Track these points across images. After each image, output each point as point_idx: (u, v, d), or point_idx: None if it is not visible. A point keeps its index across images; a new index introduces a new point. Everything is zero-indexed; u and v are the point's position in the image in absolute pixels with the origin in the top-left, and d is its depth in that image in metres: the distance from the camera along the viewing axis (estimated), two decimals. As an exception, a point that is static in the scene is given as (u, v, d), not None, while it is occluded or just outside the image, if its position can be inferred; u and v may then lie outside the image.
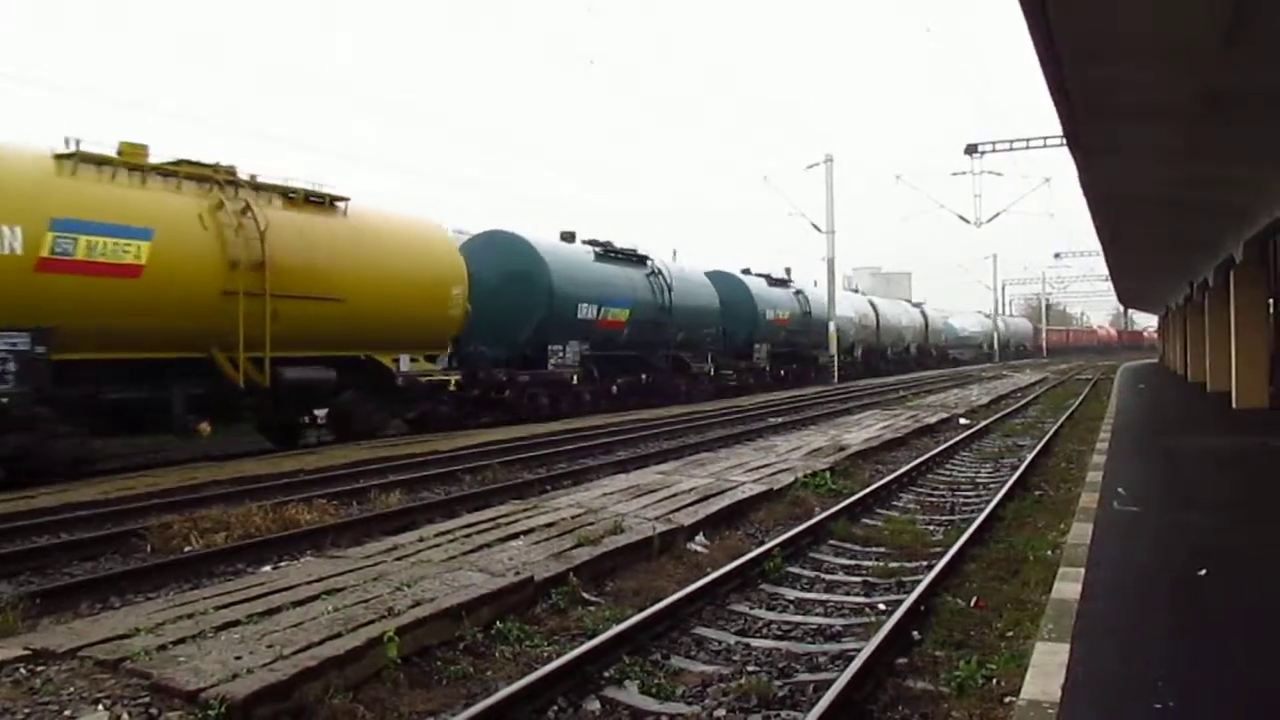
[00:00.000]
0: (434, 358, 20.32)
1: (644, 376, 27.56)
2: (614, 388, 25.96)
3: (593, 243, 26.63)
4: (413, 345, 19.11)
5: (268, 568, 8.34)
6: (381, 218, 18.52)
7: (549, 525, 8.83)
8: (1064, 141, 11.72)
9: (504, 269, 22.93)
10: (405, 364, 18.67)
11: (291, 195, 16.46)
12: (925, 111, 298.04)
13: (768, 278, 37.64)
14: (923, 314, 65.35)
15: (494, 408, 21.93)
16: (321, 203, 17.03)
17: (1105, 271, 43.11)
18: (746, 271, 36.52)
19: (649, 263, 28.38)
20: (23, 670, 4.98)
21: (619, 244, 27.63)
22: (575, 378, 23.82)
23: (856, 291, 55.25)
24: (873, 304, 52.87)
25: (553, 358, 23.34)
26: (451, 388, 20.13)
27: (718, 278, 33.49)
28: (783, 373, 37.44)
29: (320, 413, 17.51)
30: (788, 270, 42.56)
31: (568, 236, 26.13)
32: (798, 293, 39.43)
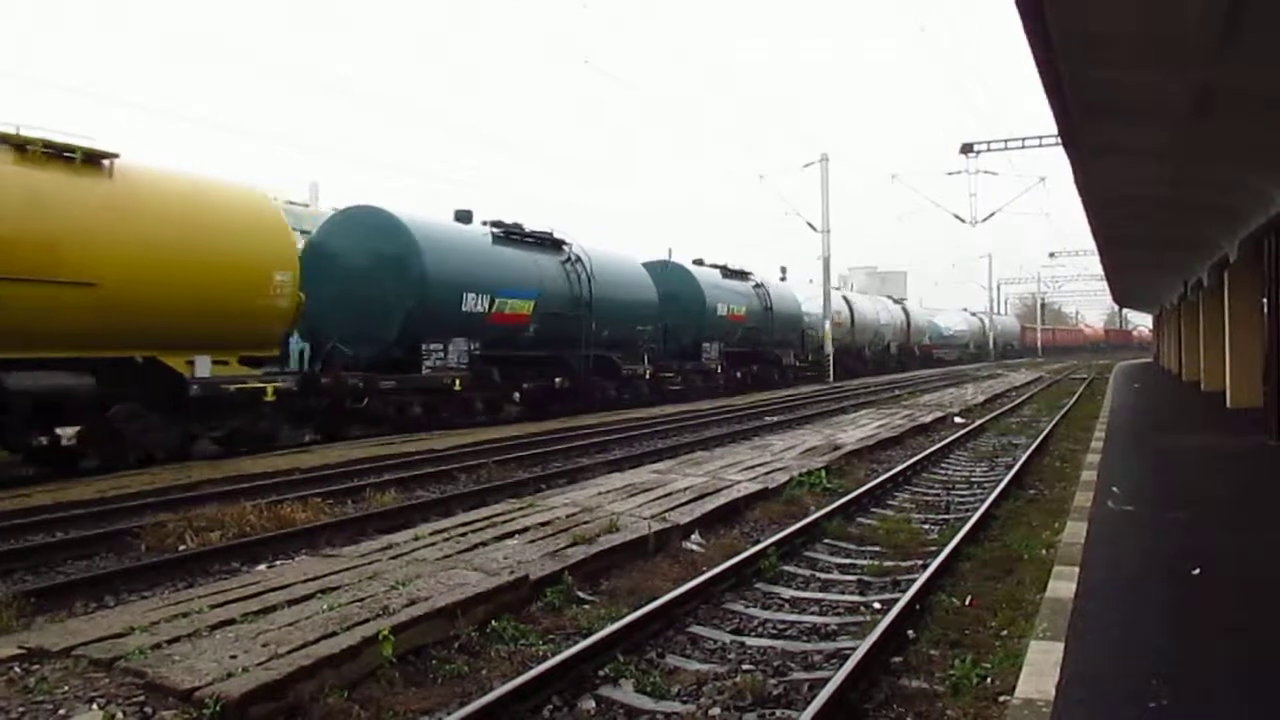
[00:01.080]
0: (259, 360, 16.12)
1: (558, 380, 23.32)
2: (517, 394, 22.19)
3: (495, 224, 22.64)
4: (220, 344, 15.05)
5: (262, 566, 8.33)
6: (167, 181, 14.75)
7: (544, 524, 8.83)
8: (1059, 141, 11.72)
9: (368, 251, 19.26)
10: (204, 368, 14.67)
11: (26, 148, 12.83)
12: (921, 111, 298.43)
13: (722, 269, 33.72)
14: (904, 311, 60.54)
15: (350, 420, 18.67)
16: (72, 159, 13.18)
17: (1100, 271, 43.17)
18: (699, 262, 32.76)
19: (566, 248, 24.37)
20: (17, 669, 4.97)
21: (530, 228, 23.75)
22: (458, 382, 19.75)
23: (838, 289, 49.38)
24: (846, 300, 48.61)
25: (428, 359, 19.51)
26: (270, 396, 15.60)
27: (659, 268, 30.06)
28: (739, 374, 33.53)
29: (66, 431, 12.92)
30: (783, 270, 42.63)
31: (463, 216, 22.32)
32: (758, 286, 35.32)
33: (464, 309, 20.17)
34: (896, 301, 61.10)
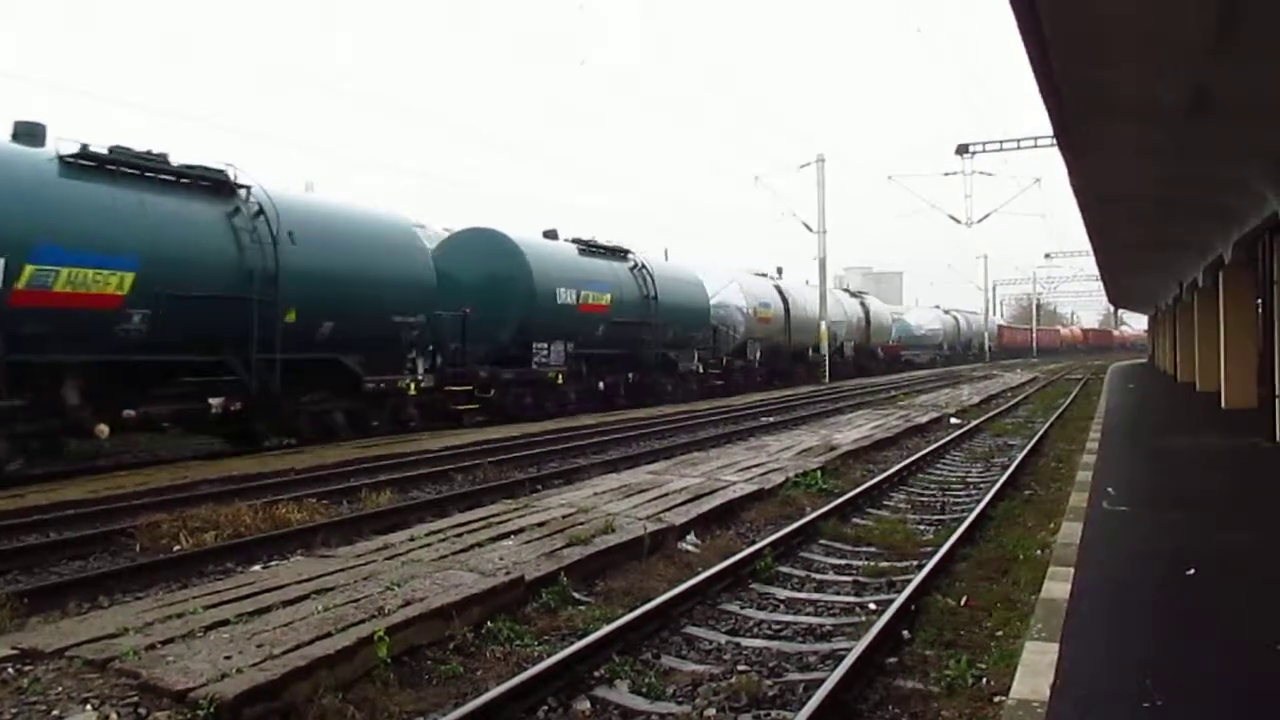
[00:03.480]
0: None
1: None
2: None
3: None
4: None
5: (257, 567, 8.32)
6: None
7: (540, 525, 8.83)
8: (1054, 141, 11.73)
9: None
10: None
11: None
12: (917, 112, 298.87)
13: (583, 244, 26.20)
14: (863, 306, 51.39)
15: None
16: None
17: (1095, 271, 43.24)
18: (552, 235, 25.57)
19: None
20: (10, 670, 4.96)
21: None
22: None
23: (766, 276, 40.43)
24: (780, 290, 39.49)
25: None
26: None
27: (470, 240, 23.43)
28: (602, 385, 25.60)
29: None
30: (779, 270, 42.53)
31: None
32: (637, 268, 27.62)
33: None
34: (854, 295, 52.79)
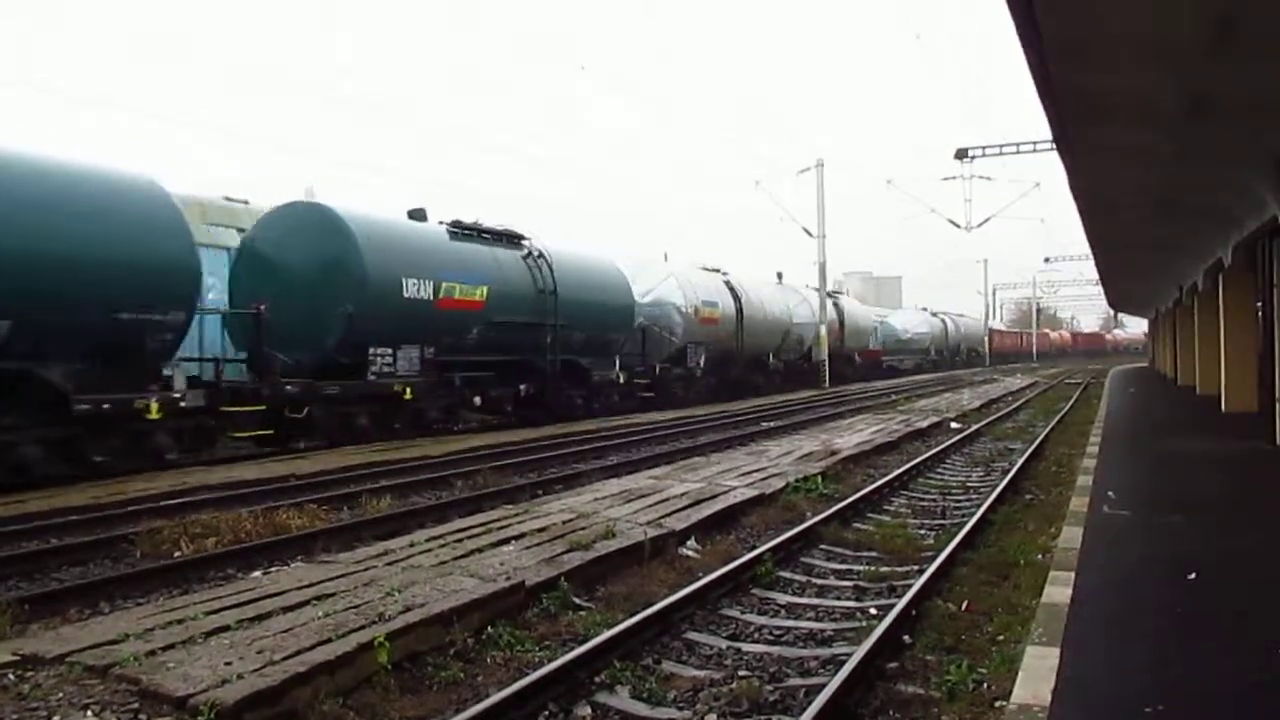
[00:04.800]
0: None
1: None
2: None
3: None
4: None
5: (258, 573, 8.32)
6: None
7: (540, 530, 8.82)
8: (1053, 145, 11.75)
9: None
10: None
11: None
12: (916, 116, 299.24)
13: (459, 226, 21.19)
14: (836, 306, 45.35)
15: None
16: None
17: (1095, 275, 43.27)
18: (418, 215, 20.68)
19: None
20: (11, 676, 4.96)
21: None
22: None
23: (717, 271, 34.87)
24: (731, 287, 33.99)
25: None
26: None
27: (288, 216, 18.19)
28: (479, 400, 20.70)
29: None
30: (779, 275, 42.39)
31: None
32: (531, 256, 22.51)
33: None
34: (831, 295, 46.17)
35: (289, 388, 16.41)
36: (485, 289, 20.42)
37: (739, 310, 33.91)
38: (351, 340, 17.45)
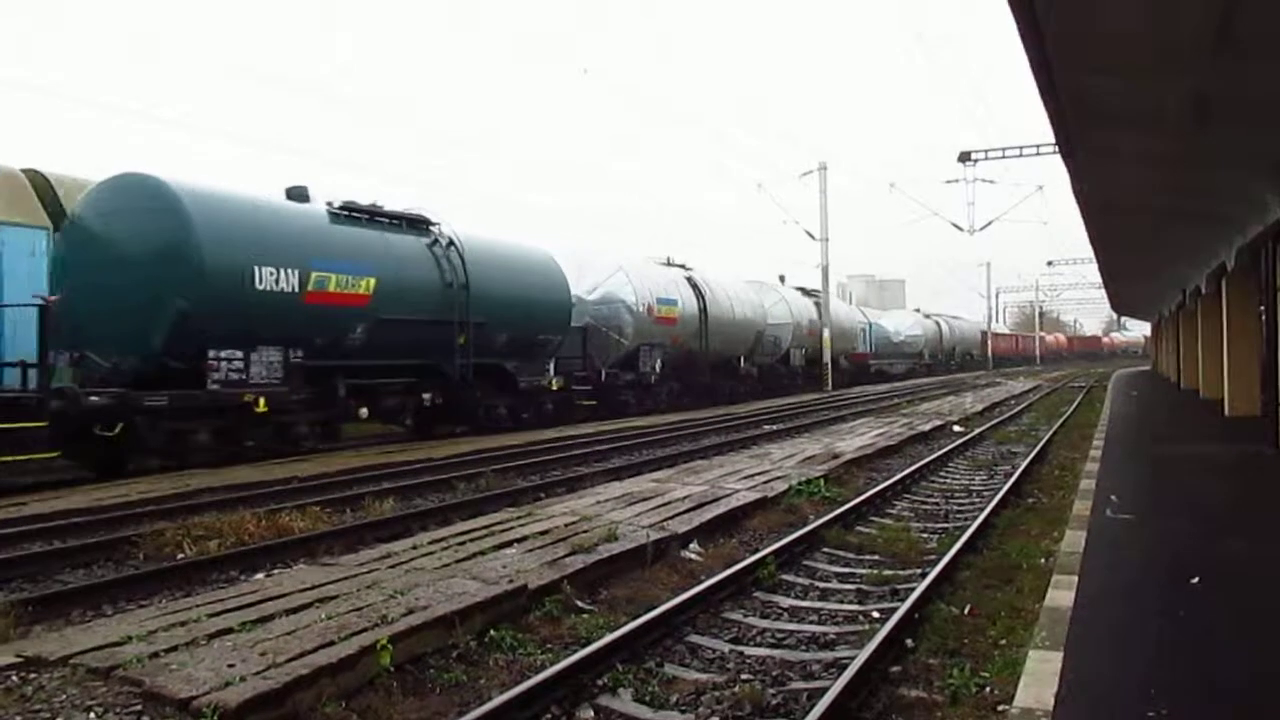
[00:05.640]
0: None
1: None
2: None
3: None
4: None
5: (261, 575, 8.33)
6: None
7: (543, 533, 8.83)
8: (1056, 149, 11.76)
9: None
10: None
11: None
12: (919, 119, 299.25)
13: (346, 209, 17.96)
14: (817, 306, 41.99)
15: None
16: None
17: (1098, 279, 43.25)
18: (298, 196, 17.31)
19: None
20: (14, 678, 4.97)
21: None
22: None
23: (680, 267, 32.12)
24: (694, 284, 30.75)
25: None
26: None
27: (111, 192, 15.05)
28: (365, 412, 17.66)
29: None
30: (781, 278, 42.42)
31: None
32: (440, 244, 19.42)
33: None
34: (808, 294, 42.87)
35: (93, 399, 13.29)
36: (373, 281, 17.23)
37: (703, 309, 30.70)
38: (185, 341, 14.39)
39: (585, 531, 8.82)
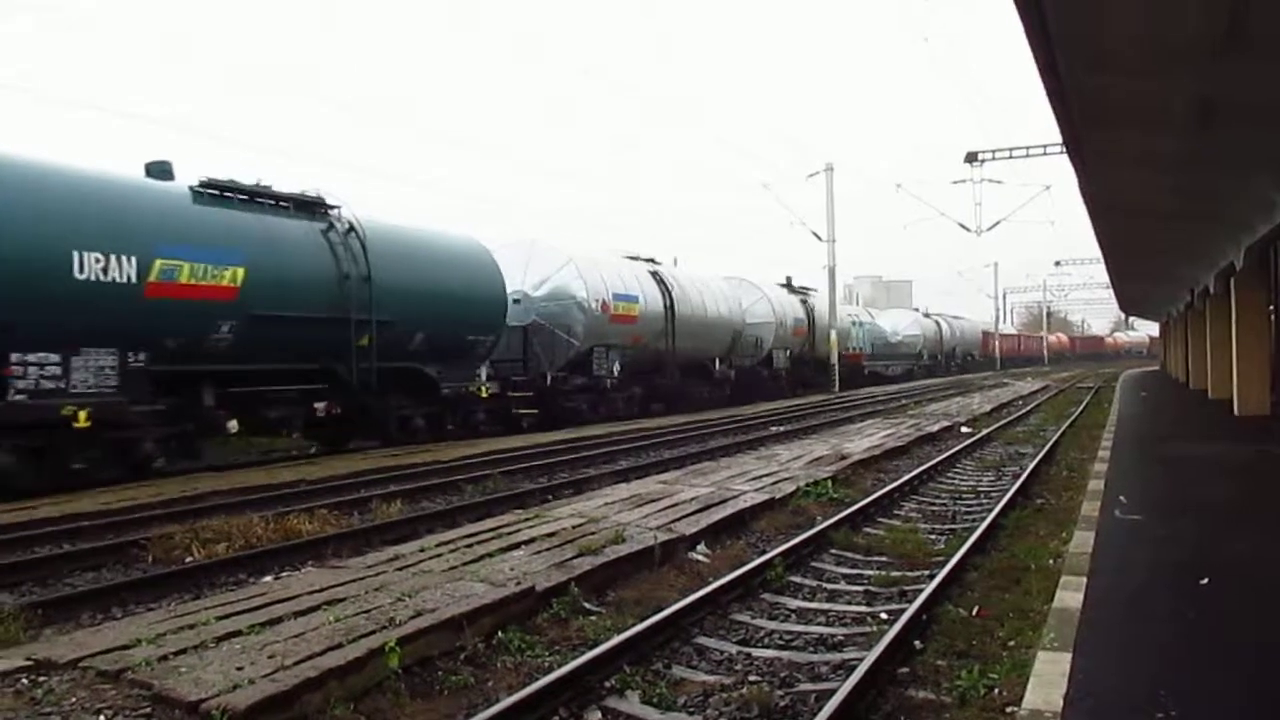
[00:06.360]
0: None
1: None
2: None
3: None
4: None
5: (269, 578, 8.35)
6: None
7: (550, 535, 8.83)
8: (1064, 149, 11.74)
9: None
10: None
11: None
12: (926, 119, 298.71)
13: (220, 187, 15.50)
14: (804, 304, 39.90)
15: None
16: None
17: (1106, 279, 43.13)
18: (160, 174, 15.03)
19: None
20: (25, 680, 4.99)
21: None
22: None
23: (649, 261, 29.51)
24: (661, 280, 28.23)
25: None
26: None
27: None
28: (234, 425, 15.05)
29: None
30: (788, 279, 42.29)
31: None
32: (337, 230, 17.09)
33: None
34: (795, 292, 40.12)
35: None
36: (241, 271, 14.75)
37: (669, 306, 27.93)
38: None
39: (593, 533, 8.82)
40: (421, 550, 8.25)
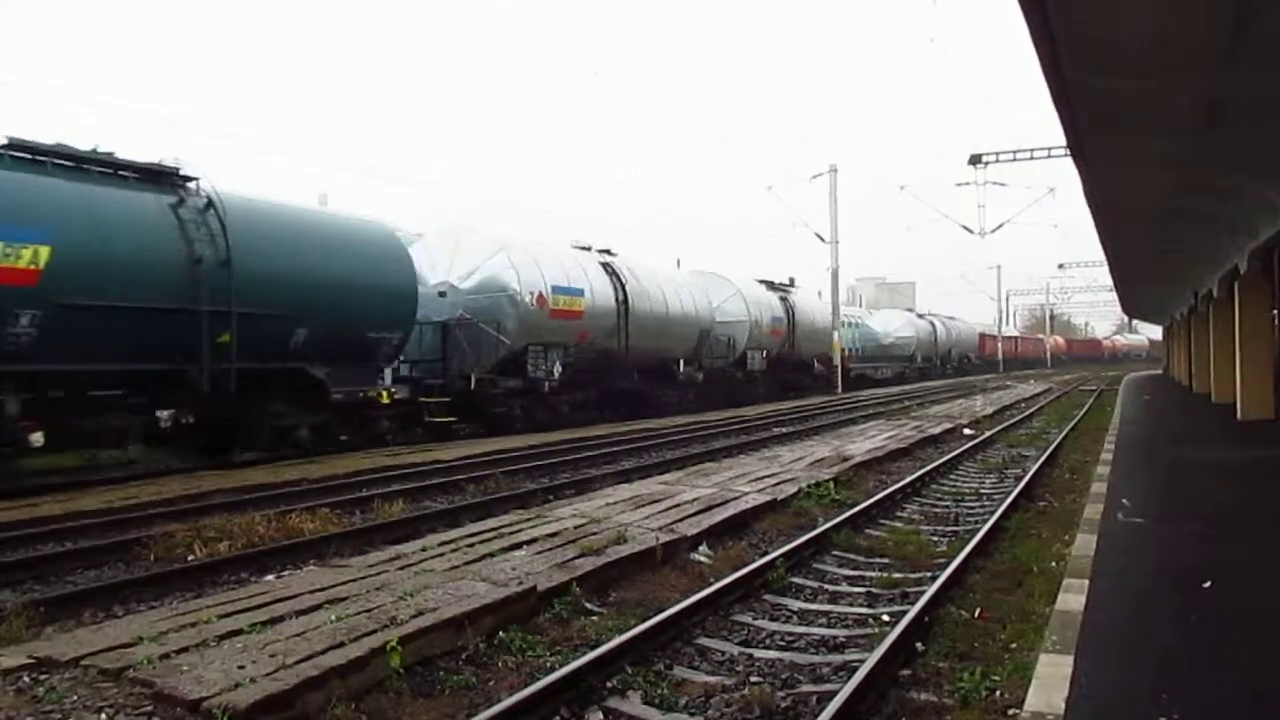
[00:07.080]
0: None
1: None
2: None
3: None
4: None
5: (271, 577, 8.35)
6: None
7: (552, 535, 8.83)
8: (1068, 152, 11.72)
9: None
10: None
11: None
12: (930, 121, 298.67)
13: (33, 150, 12.78)
14: (784, 302, 36.97)
15: None
16: None
17: (1109, 282, 43.08)
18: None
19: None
20: (26, 678, 4.99)
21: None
22: None
23: (604, 252, 26.70)
24: (614, 272, 25.52)
25: None
26: None
27: None
28: (39, 438, 12.40)
29: None
30: (791, 280, 42.27)
31: None
32: (190, 206, 14.35)
33: None
34: (775, 288, 37.36)
35: None
36: (45, 251, 12.11)
37: (622, 300, 25.05)
38: None
39: (594, 534, 8.82)
40: (423, 549, 8.25)
